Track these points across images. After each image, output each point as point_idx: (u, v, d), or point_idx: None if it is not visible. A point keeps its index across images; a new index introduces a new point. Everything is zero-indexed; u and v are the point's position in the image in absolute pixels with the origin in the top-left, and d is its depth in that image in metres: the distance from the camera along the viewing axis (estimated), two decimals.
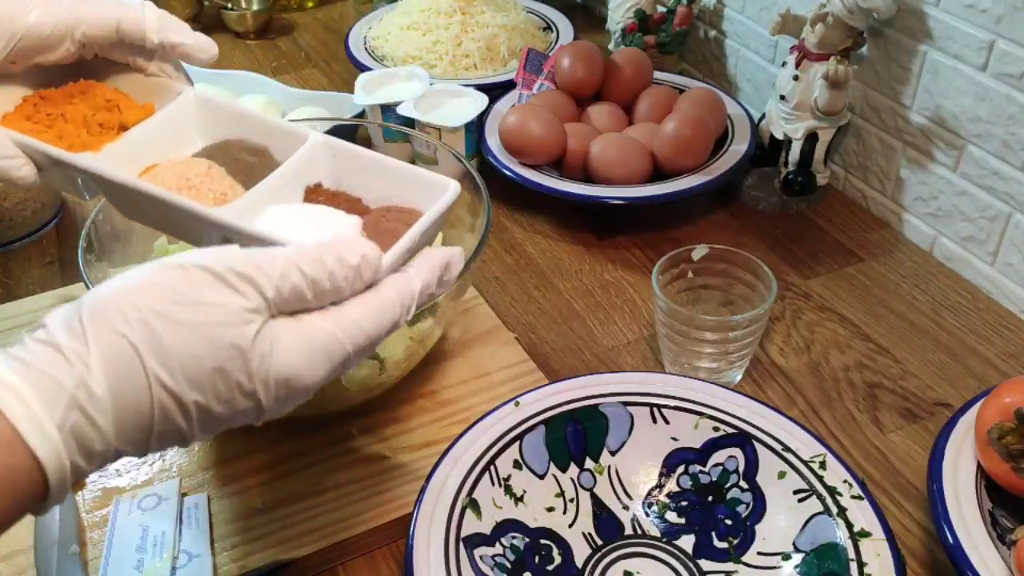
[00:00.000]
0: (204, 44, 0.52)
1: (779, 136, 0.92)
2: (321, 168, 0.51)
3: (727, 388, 0.65)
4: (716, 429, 0.63)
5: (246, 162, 0.51)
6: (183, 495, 0.63)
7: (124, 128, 0.52)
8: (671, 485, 0.62)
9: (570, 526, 0.60)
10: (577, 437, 0.63)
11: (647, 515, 0.61)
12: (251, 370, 0.38)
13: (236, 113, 0.53)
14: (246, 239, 0.46)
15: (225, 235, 0.47)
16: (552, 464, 0.63)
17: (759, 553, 0.58)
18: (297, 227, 0.48)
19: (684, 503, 0.62)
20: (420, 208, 0.49)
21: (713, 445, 0.63)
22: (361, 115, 1.00)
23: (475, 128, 0.97)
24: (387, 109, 0.97)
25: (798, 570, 0.56)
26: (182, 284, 0.38)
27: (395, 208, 0.50)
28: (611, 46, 1.14)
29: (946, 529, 0.54)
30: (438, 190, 0.48)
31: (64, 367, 0.35)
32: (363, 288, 0.42)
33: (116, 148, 0.50)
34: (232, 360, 0.38)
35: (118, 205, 0.52)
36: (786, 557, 0.57)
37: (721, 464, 0.62)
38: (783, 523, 0.58)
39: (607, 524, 0.61)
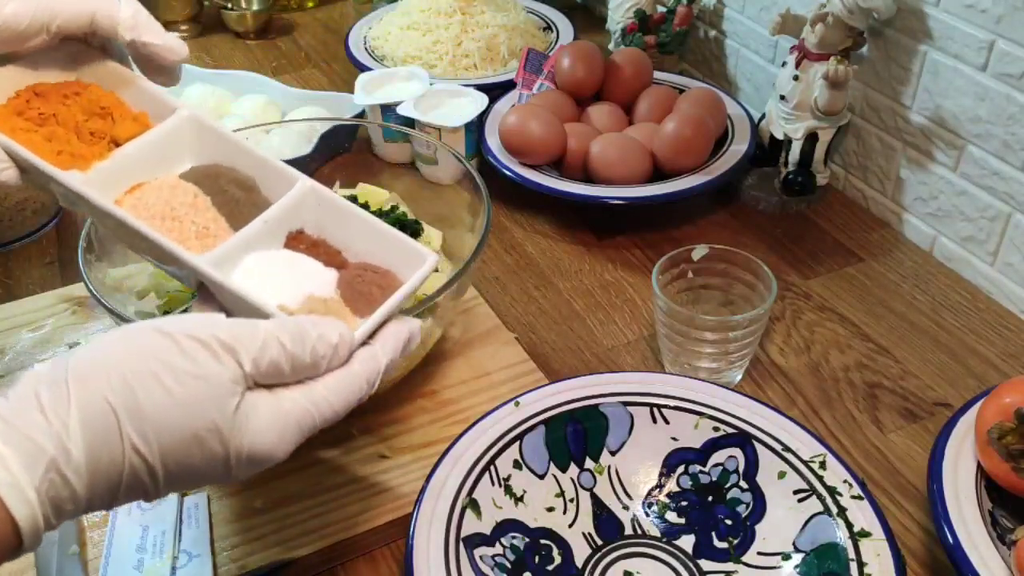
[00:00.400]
0: (174, 45, 0.51)
1: (779, 136, 0.92)
2: (306, 215, 0.52)
3: (727, 388, 0.65)
4: (716, 429, 0.63)
5: (233, 195, 0.51)
6: (183, 495, 0.63)
7: (115, 141, 0.51)
8: (671, 485, 0.62)
9: (570, 526, 0.60)
10: (577, 437, 0.63)
11: (647, 515, 0.61)
12: (225, 442, 0.39)
13: (230, 142, 0.53)
14: (221, 290, 0.47)
15: (200, 280, 0.47)
16: (552, 464, 0.63)
17: (759, 553, 0.58)
18: (275, 277, 0.49)
19: (684, 503, 0.62)
20: (395, 271, 0.50)
21: (713, 445, 0.63)
22: (361, 115, 1.00)
23: (475, 128, 0.97)
24: (387, 109, 0.97)
25: (798, 570, 0.56)
26: (169, 354, 0.39)
27: (371, 268, 0.51)
28: (611, 46, 1.14)
29: (946, 529, 0.54)
30: (416, 260, 0.50)
31: (44, 428, 0.36)
32: (338, 365, 0.43)
33: (105, 167, 0.50)
34: (209, 431, 0.39)
35: (101, 226, 0.51)
36: (786, 557, 0.57)
37: (721, 464, 0.62)
38: (783, 523, 0.58)
39: (607, 524, 0.61)
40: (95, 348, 0.39)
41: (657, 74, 1.03)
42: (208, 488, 0.63)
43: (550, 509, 0.61)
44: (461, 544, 0.56)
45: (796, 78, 0.87)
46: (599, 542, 0.60)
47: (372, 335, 0.46)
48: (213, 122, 0.53)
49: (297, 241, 0.52)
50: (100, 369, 0.38)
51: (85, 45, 0.52)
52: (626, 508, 0.62)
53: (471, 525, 0.57)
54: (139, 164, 0.51)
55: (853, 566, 0.54)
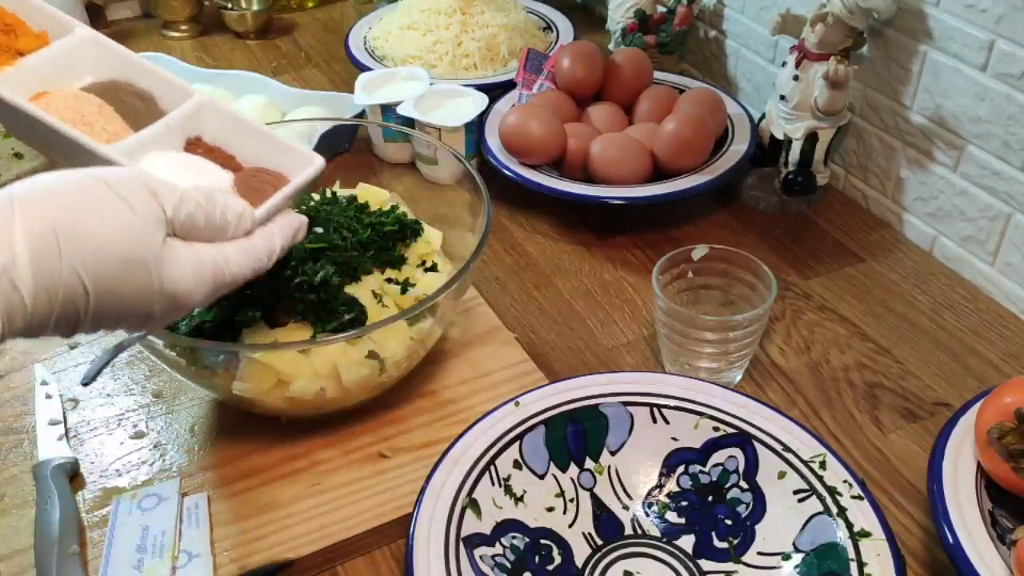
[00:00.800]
0: None
1: (779, 136, 0.92)
2: (204, 124, 0.57)
3: (727, 388, 0.65)
4: (716, 429, 0.63)
5: (132, 105, 0.56)
6: (183, 495, 0.63)
7: (20, 53, 0.54)
8: (671, 485, 0.62)
9: (570, 526, 0.60)
10: (577, 437, 0.63)
11: (647, 515, 0.61)
12: (151, 274, 0.44)
13: (127, 58, 0.58)
14: None
15: None
16: (552, 464, 0.63)
17: (759, 553, 0.58)
18: (177, 172, 0.53)
19: (684, 503, 0.62)
20: (286, 174, 0.56)
21: (713, 445, 0.63)
22: (361, 115, 1.00)
23: (475, 128, 0.97)
24: (387, 109, 0.97)
25: (798, 570, 0.56)
26: (103, 190, 0.43)
27: (264, 171, 0.56)
28: (611, 46, 1.14)
29: (946, 529, 0.54)
30: (304, 162, 0.56)
31: None
32: (241, 235, 0.50)
33: (11, 72, 0.53)
34: (138, 261, 0.43)
35: (10, 127, 0.56)
36: (786, 557, 0.57)
37: (721, 464, 0.62)
38: (783, 523, 0.58)
39: (607, 524, 0.61)
40: (35, 181, 0.43)
41: (657, 74, 1.03)
42: (208, 488, 0.63)
43: (550, 509, 0.61)
44: (461, 544, 0.56)
45: (796, 78, 0.87)
46: (599, 542, 0.60)
47: (267, 221, 0.52)
48: (112, 41, 0.58)
49: (195, 146, 0.57)
50: (41, 196, 0.42)
51: None
52: (626, 508, 0.62)
53: (471, 525, 0.57)
54: (44, 73, 0.55)
55: (853, 566, 0.54)
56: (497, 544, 0.57)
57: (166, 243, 0.45)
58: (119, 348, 0.56)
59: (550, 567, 0.58)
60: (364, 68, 1.11)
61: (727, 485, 0.61)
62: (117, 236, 0.43)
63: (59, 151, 0.53)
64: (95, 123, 0.53)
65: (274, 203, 0.53)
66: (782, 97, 0.90)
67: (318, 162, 0.56)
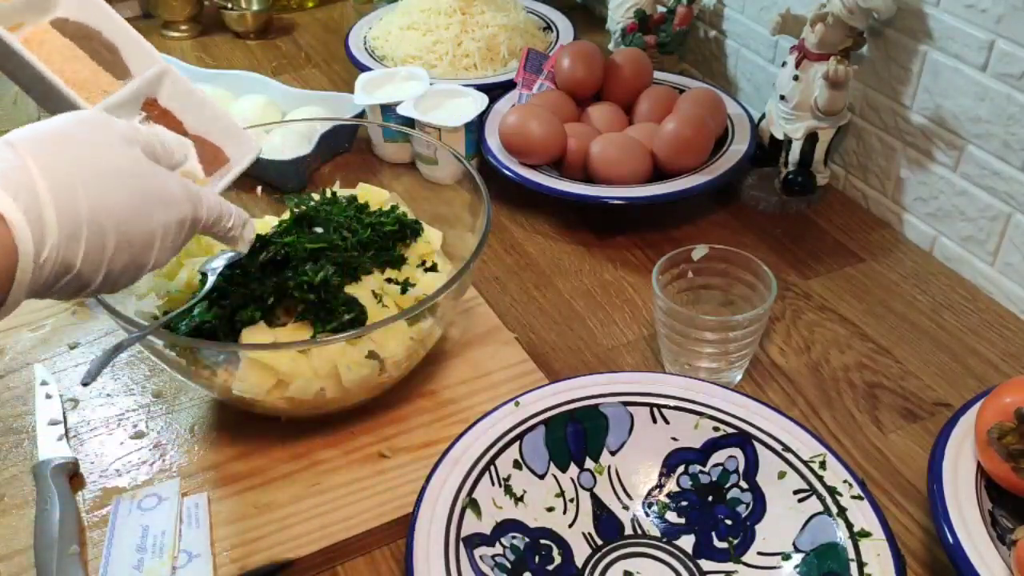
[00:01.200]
0: None
1: (779, 136, 0.92)
2: (163, 89, 0.63)
3: (727, 388, 0.65)
4: (716, 429, 0.63)
5: (104, 57, 0.61)
6: (183, 495, 0.63)
7: None
8: (671, 485, 0.62)
9: (570, 526, 0.60)
10: (577, 437, 0.63)
11: (647, 515, 0.61)
12: (155, 185, 0.48)
13: (99, 7, 0.62)
14: None
15: None
16: (552, 464, 0.63)
17: (759, 553, 0.58)
18: None
19: (684, 503, 0.62)
20: (224, 149, 0.63)
21: (713, 445, 0.63)
22: (361, 115, 1.00)
23: (475, 128, 0.97)
24: (387, 109, 0.97)
25: (798, 570, 0.56)
26: (97, 129, 0.47)
27: (207, 142, 0.63)
28: (611, 46, 1.14)
29: (946, 529, 0.54)
30: (246, 143, 0.64)
31: (26, 182, 0.42)
32: (177, 164, 0.54)
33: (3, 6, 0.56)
34: (145, 194, 0.47)
35: None
36: (786, 557, 0.57)
37: (721, 464, 0.62)
38: (783, 523, 0.58)
39: (607, 524, 0.61)
40: (33, 128, 0.45)
41: (657, 74, 1.03)
42: (208, 488, 0.63)
43: (550, 509, 0.61)
44: (461, 544, 0.56)
45: (796, 78, 0.87)
46: (599, 542, 0.60)
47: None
48: None
49: (151, 107, 0.62)
50: (48, 140, 0.45)
51: None
52: (626, 508, 0.62)
53: (471, 525, 0.57)
54: (22, 6, 0.58)
55: (853, 566, 0.54)
56: (497, 544, 0.57)
57: (153, 166, 0.50)
58: (119, 348, 0.56)
59: (550, 567, 0.58)
60: (364, 68, 1.11)
61: (727, 485, 0.61)
62: (119, 165, 0.46)
63: (41, 95, 0.57)
64: (89, 81, 0.58)
65: (227, 181, 0.61)
66: (782, 97, 0.90)
67: (257, 148, 0.64)
